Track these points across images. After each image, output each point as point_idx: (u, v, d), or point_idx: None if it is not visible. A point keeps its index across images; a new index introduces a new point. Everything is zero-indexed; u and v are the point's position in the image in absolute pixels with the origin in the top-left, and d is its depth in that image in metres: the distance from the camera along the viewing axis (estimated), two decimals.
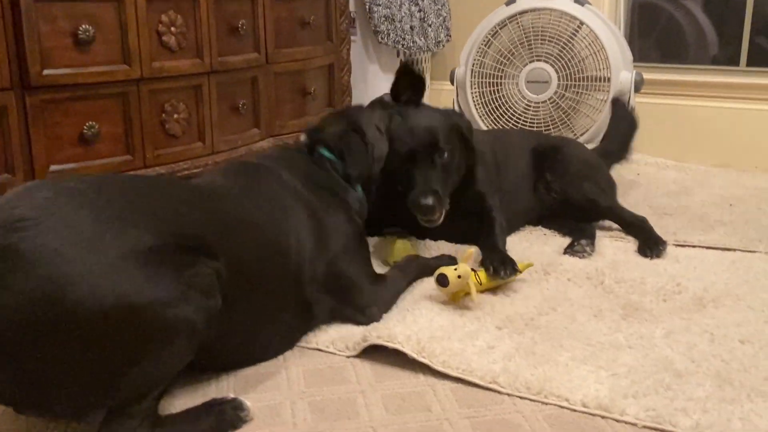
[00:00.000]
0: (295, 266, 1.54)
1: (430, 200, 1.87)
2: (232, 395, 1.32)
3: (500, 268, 1.77)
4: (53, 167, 1.98)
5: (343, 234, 1.67)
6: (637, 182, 2.92)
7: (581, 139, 3.12)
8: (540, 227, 2.32)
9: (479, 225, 2.04)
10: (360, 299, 1.66)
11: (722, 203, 2.59)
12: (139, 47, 2.13)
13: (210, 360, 1.44)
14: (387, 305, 1.71)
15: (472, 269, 1.70)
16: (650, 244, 2.08)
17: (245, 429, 1.28)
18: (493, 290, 1.81)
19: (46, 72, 1.91)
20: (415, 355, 1.47)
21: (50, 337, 1.06)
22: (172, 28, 2.22)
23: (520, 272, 1.82)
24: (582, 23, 3.12)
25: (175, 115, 2.28)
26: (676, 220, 2.38)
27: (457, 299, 1.72)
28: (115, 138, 2.12)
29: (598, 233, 2.25)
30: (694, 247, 2.14)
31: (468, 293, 1.68)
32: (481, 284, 1.72)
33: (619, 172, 3.05)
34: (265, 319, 1.48)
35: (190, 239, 1.23)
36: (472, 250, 1.77)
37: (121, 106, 2.12)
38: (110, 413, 1.16)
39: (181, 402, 1.35)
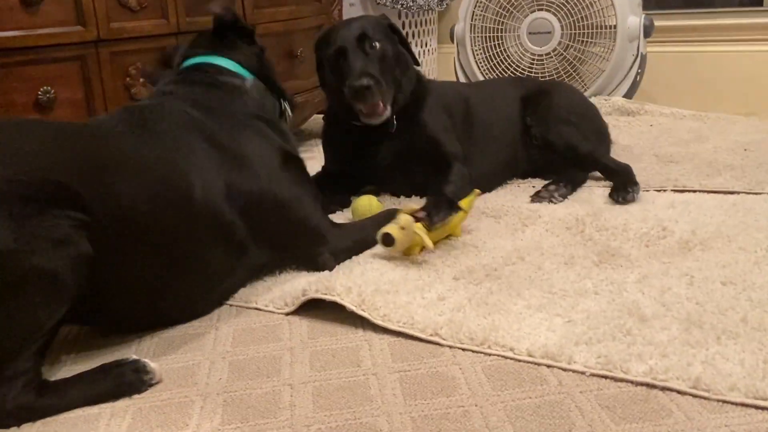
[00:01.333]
0: (203, 207, 1.36)
1: (365, 80, 1.78)
2: (134, 356, 1.21)
3: (434, 211, 1.58)
4: None
5: (264, 159, 1.49)
6: (648, 132, 2.72)
7: (591, 90, 2.93)
8: (530, 179, 2.16)
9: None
10: (306, 241, 1.52)
11: (737, 149, 2.38)
12: (94, 7, 2.04)
13: (120, 320, 1.34)
14: (343, 251, 1.56)
15: (417, 218, 1.55)
16: (619, 187, 1.92)
17: (150, 392, 1.17)
18: (451, 238, 1.67)
19: None
20: (353, 308, 1.34)
21: None
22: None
23: (461, 210, 1.65)
24: None
25: (141, 79, 2.19)
26: (682, 166, 2.19)
27: (413, 253, 1.58)
28: (74, 103, 2.04)
29: (591, 182, 2.09)
30: (694, 191, 1.95)
31: (423, 246, 1.54)
32: (430, 232, 1.56)
33: (630, 123, 2.87)
34: (176, 267, 1.33)
35: (45, 183, 1.13)
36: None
37: (79, 69, 2.04)
38: None
39: (92, 365, 1.25)
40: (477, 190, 1.78)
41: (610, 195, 1.91)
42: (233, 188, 1.42)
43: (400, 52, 1.98)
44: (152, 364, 1.19)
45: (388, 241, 1.52)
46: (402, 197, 2.03)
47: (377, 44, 1.89)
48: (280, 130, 1.65)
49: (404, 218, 1.53)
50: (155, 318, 1.37)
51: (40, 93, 1.94)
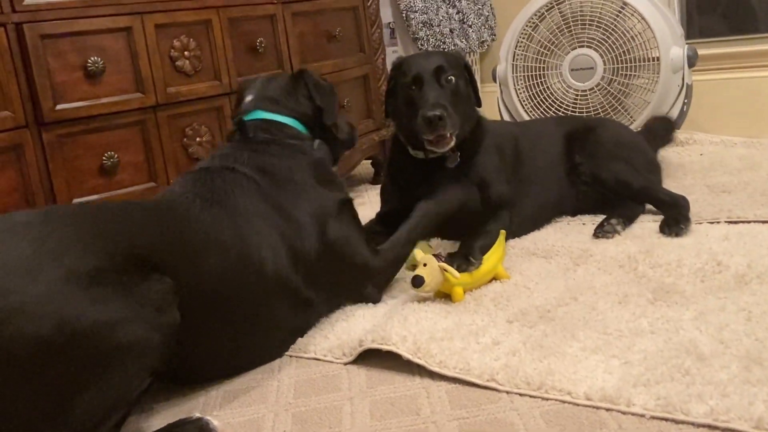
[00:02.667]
0: (275, 275, 1.47)
1: (438, 111, 1.81)
2: (198, 414, 1.26)
3: (454, 261, 1.68)
4: (76, 200, 2.01)
5: (321, 220, 1.59)
6: (698, 162, 2.69)
7: (637, 122, 2.93)
8: (579, 217, 2.17)
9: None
10: (353, 278, 1.65)
11: None
12: (152, 74, 2.15)
13: (193, 374, 1.40)
14: (385, 279, 1.71)
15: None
16: (670, 222, 1.91)
17: None
18: (500, 281, 1.72)
19: (59, 107, 1.96)
20: (410, 356, 1.37)
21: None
22: (186, 53, 2.24)
23: (477, 262, 1.70)
24: (625, 3, 2.94)
25: (198, 138, 2.29)
26: (734, 196, 2.17)
27: (451, 293, 1.63)
28: (136, 166, 2.14)
29: (643, 216, 2.08)
30: (748, 222, 1.93)
31: (452, 283, 1.61)
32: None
33: (680, 153, 2.86)
34: (250, 329, 1.43)
35: (138, 258, 1.20)
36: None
37: (140, 133, 2.15)
38: None
39: (161, 420, 1.30)
40: (503, 231, 1.82)
41: (661, 229, 1.91)
42: (299, 256, 1.52)
43: (469, 90, 2.03)
44: (215, 423, 1.24)
45: (417, 282, 1.56)
46: (444, 241, 2.06)
47: (452, 78, 1.93)
48: (334, 181, 1.74)
49: (420, 255, 1.61)
50: (228, 371, 1.45)
51: (104, 158, 2.05)
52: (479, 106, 2.09)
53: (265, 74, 1.93)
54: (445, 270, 1.58)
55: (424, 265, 1.59)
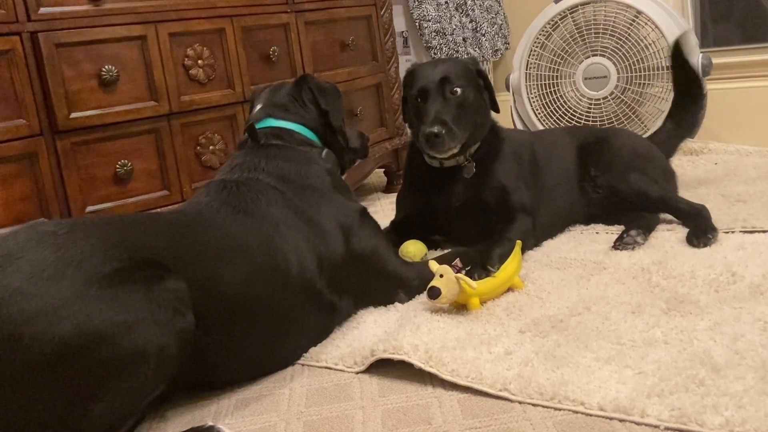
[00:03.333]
0: (300, 279, 1.49)
1: (435, 128, 1.83)
2: (210, 422, 1.26)
3: (474, 271, 1.73)
4: (89, 208, 2.02)
5: (345, 226, 1.62)
6: (713, 171, 2.68)
7: (651, 131, 2.91)
8: (592, 226, 2.16)
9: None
10: (386, 285, 1.68)
11: None
12: (166, 82, 2.16)
13: (214, 378, 1.41)
14: (415, 288, 1.71)
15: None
16: (698, 232, 1.88)
17: None
18: (514, 290, 1.71)
19: (73, 115, 1.97)
20: (422, 365, 1.37)
21: (10, 376, 1.06)
22: (199, 61, 2.25)
23: (494, 270, 1.72)
24: (639, 12, 2.93)
25: (211, 147, 2.30)
26: (750, 206, 2.15)
27: (468, 303, 1.62)
28: (150, 174, 2.15)
29: (658, 227, 2.06)
30: (764, 232, 1.91)
31: (469, 294, 1.59)
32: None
33: (695, 162, 2.84)
34: (274, 333, 1.44)
35: (155, 263, 1.22)
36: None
37: (154, 142, 2.16)
38: None
39: (173, 427, 1.30)
40: (519, 241, 1.79)
41: (688, 240, 1.89)
42: (323, 260, 1.54)
43: (481, 98, 2.01)
44: (227, 431, 1.24)
45: (433, 294, 1.56)
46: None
47: (458, 90, 1.92)
48: (348, 189, 1.76)
49: (435, 265, 1.61)
50: (251, 373, 1.46)
51: (118, 166, 2.06)
52: (497, 111, 2.08)
53: (274, 83, 1.93)
54: (462, 280, 1.57)
55: (441, 276, 1.58)
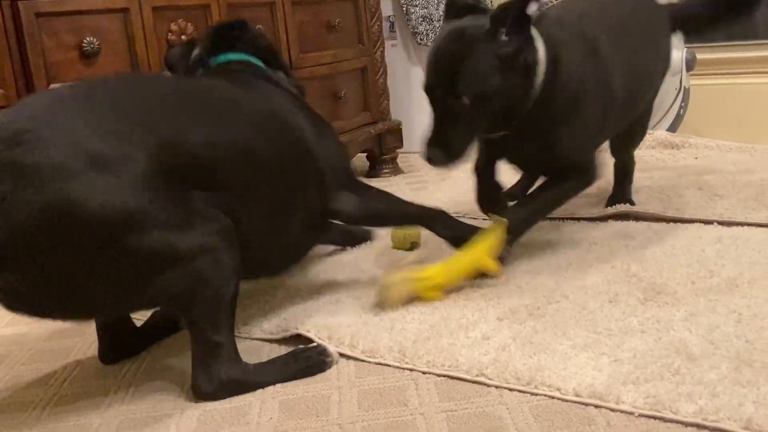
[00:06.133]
0: (307, 153, 1.56)
1: (428, 151, 1.59)
2: (318, 341, 1.43)
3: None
4: None
5: (323, 125, 1.69)
6: (692, 166, 2.69)
7: None
8: (572, 212, 2.16)
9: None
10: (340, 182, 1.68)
11: None
12: (148, 57, 2.13)
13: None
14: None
15: None
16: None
17: (206, 428, 1.21)
18: (491, 277, 1.67)
19: (52, 86, 1.93)
20: (397, 364, 1.36)
21: (66, 243, 1.11)
22: (183, 37, 2.22)
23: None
24: None
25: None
26: (727, 200, 2.17)
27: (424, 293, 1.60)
28: None
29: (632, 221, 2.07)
30: (741, 225, 1.93)
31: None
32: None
33: (675, 156, 2.85)
34: (286, 215, 1.50)
35: (192, 166, 1.27)
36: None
37: None
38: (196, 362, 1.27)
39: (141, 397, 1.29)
40: (502, 221, 1.68)
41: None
42: (317, 143, 1.60)
43: (513, 81, 1.57)
44: (332, 348, 1.40)
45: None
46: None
47: (466, 99, 1.54)
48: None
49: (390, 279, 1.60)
50: (258, 269, 1.54)
51: None
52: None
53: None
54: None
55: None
